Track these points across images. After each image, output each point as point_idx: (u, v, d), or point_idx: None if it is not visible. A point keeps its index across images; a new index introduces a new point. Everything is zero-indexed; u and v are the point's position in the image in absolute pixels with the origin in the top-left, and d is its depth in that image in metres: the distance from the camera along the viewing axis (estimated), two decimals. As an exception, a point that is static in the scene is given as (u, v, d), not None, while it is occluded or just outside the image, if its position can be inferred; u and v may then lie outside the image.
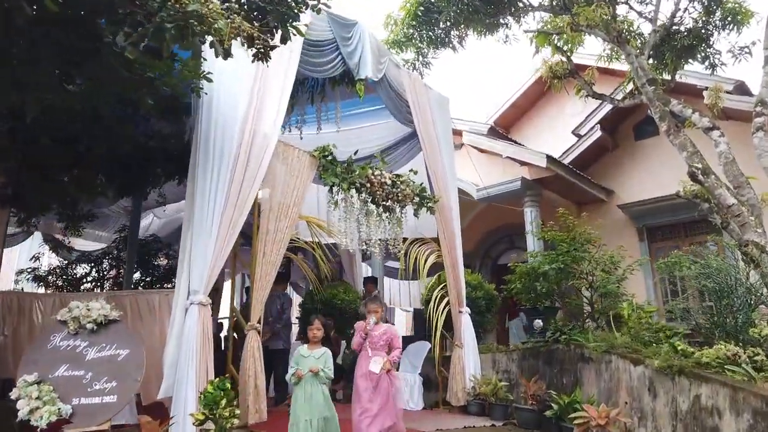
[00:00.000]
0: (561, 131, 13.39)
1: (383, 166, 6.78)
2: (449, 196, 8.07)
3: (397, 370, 8.32)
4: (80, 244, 14.44)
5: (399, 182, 6.94)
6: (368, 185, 6.57)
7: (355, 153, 6.62)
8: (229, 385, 4.36)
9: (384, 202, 6.93)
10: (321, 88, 7.49)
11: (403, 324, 19.19)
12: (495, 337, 13.09)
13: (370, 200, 6.82)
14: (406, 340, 11.71)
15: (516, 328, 11.75)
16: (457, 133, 11.55)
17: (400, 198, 6.97)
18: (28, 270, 13.73)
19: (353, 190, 6.56)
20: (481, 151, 11.50)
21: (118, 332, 4.44)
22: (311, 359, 4.72)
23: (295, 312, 14.17)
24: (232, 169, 5.24)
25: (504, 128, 14.14)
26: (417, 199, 7.39)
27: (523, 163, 10.82)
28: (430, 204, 7.55)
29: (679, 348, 5.03)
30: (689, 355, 4.93)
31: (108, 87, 4.66)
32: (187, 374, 4.61)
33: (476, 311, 9.14)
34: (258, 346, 5.24)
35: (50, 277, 13.75)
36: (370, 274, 11.94)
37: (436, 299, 7.83)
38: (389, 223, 7.19)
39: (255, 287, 5.38)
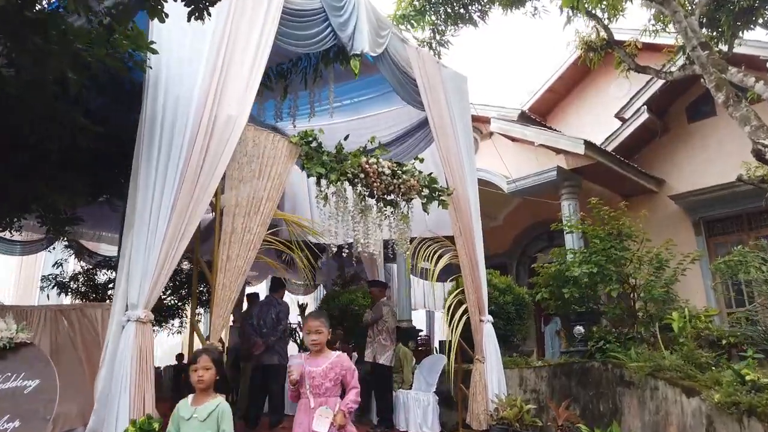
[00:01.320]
0: (605, 117, 12.02)
1: (380, 153, 5.74)
2: (466, 187, 6.94)
3: (411, 388, 7.32)
4: (104, 249, 13.94)
5: (401, 172, 5.89)
6: (362, 176, 5.55)
7: (345, 138, 5.61)
8: (156, 427, 3.43)
9: (384, 196, 5.91)
10: (314, 69, 6.52)
11: (441, 328, 18.10)
12: (535, 343, 11.93)
13: (367, 194, 5.82)
14: (443, 345, 10.67)
15: (550, 334, 10.52)
16: (485, 120, 10.41)
17: (403, 190, 5.92)
18: (51, 277, 13.36)
19: (345, 183, 5.56)
20: (512, 139, 10.31)
21: (28, 358, 3.58)
22: (194, 422, 3.01)
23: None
24: (186, 159, 4.33)
25: (540, 116, 12.84)
26: (426, 191, 6.32)
27: (558, 151, 9.58)
28: (442, 197, 6.47)
29: (747, 378, 3.78)
30: (763, 389, 3.67)
31: (23, 60, 3.87)
32: (117, 407, 3.72)
33: (505, 318, 8.01)
34: (218, 370, 4.29)
35: (73, 284, 13.35)
36: (401, 277, 10.92)
37: (452, 305, 6.73)
38: (394, 219, 6.17)
39: (216, 299, 4.44)
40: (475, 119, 10.62)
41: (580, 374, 5.74)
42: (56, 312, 4.71)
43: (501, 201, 11.85)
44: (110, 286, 13.73)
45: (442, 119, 6.90)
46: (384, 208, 6.01)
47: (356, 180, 5.55)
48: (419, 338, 13.23)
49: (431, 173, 6.40)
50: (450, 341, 6.70)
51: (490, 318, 6.82)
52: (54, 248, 13.89)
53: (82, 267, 13.48)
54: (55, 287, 13.07)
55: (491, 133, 10.63)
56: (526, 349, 11.36)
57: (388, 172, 5.72)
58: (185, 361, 12.71)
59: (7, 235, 12.68)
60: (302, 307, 12.96)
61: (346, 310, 9.41)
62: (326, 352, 3.56)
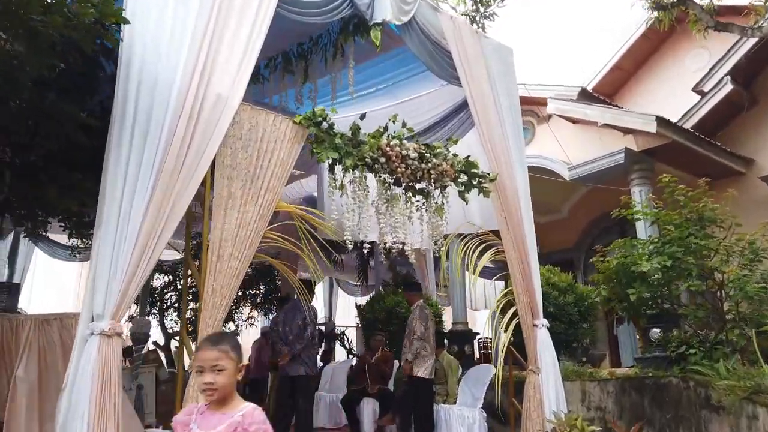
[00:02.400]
0: (680, 92, 10.65)
1: (403, 133, 4.91)
2: (514, 173, 5.98)
3: (455, 402, 6.42)
4: (165, 254, 13.76)
5: (430, 155, 5.04)
6: (383, 161, 4.75)
7: (362, 117, 4.83)
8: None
9: (412, 184, 5.09)
10: (333, 44, 5.79)
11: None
12: (607, 346, 10.73)
13: (392, 182, 5.02)
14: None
15: (623, 335, 9.33)
16: (541, 102, 9.37)
17: (433, 176, 5.07)
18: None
19: (365, 170, 4.78)
20: (573, 121, 9.21)
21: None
22: None
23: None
24: (165, 147, 3.68)
25: (607, 96, 11.56)
26: (464, 177, 5.45)
27: (626, 131, 8.41)
28: (483, 184, 5.57)
29: None
30: None
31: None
32: (74, 437, 3.11)
33: (566, 321, 6.98)
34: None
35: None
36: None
37: (498, 308, 5.82)
38: (427, 211, 5.33)
39: (204, 306, 3.77)
40: (530, 101, 9.59)
41: (655, 391, 4.69)
42: (43, 322, 4.23)
43: (564, 191, 10.75)
44: (170, 289, 13.63)
45: (484, 96, 5.98)
46: (414, 199, 5.19)
47: (376, 166, 4.75)
48: (480, 341, 12.26)
49: (468, 156, 5.51)
50: (499, 346, 5.79)
51: (546, 322, 5.84)
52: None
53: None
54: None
55: (549, 116, 9.56)
56: (596, 353, 10.18)
57: (413, 155, 4.89)
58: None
59: (64, 240, 12.72)
60: (361, 309, 12.28)
61: (392, 313, 8.64)
62: (231, 404, 2.19)
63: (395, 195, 5.03)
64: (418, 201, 5.35)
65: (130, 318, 9.24)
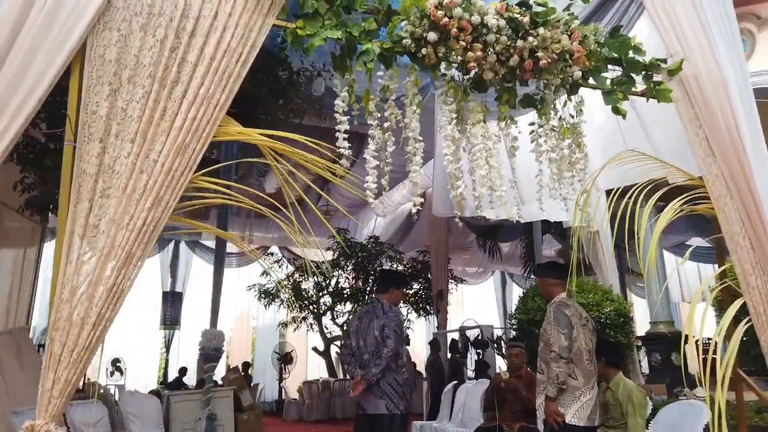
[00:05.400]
0: None
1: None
2: (719, 63, 3.15)
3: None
4: (314, 254, 12.82)
5: (534, 20, 2.60)
6: (434, 38, 2.46)
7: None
8: None
9: (506, 83, 2.70)
10: None
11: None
12: None
13: (468, 84, 2.70)
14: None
15: None
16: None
17: (543, 64, 2.61)
18: (257, 286, 12.73)
19: (415, 69, 2.57)
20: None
21: None
22: None
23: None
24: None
25: None
26: (614, 70, 2.90)
27: None
28: (656, 78, 2.95)
29: None
30: None
31: None
32: None
33: None
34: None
35: (282, 294, 12.53)
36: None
37: (709, 299, 3.15)
38: (545, 139, 2.91)
39: (56, 316, 1.92)
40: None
41: None
42: None
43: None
44: (326, 292, 12.61)
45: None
46: (509, 113, 2.80)
47: (424, 51, 2.48)
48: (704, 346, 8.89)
49: (618, 28, 2.93)
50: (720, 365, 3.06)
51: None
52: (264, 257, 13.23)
53: (287, 275, 12.60)
54: (261, 296, 12.39)
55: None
56: None
57: (495, 23, 2.51)
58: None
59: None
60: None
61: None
62: None
63: (472, 108, 2.71)
64: (532, 125, 2.97)
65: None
